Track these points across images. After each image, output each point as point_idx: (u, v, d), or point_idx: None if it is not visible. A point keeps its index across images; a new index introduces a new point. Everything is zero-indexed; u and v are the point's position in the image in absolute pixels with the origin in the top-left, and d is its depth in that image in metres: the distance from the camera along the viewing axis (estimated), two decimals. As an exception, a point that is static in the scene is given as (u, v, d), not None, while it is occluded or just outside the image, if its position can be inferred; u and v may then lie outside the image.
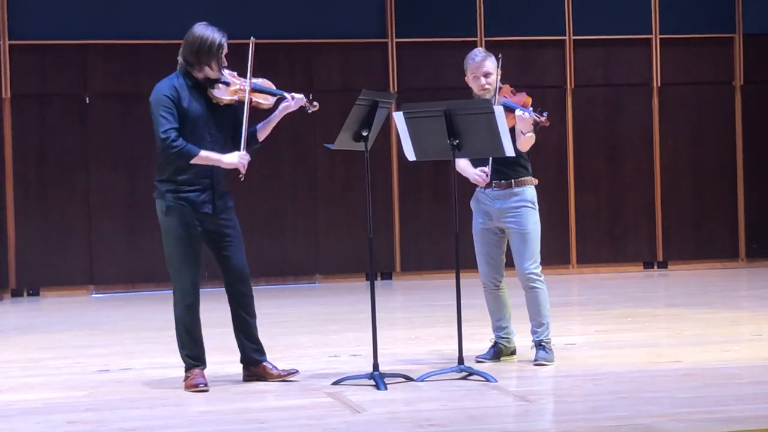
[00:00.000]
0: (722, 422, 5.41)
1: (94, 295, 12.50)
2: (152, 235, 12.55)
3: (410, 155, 6.95)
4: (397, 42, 13.17)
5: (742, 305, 10.49)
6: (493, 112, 6.67)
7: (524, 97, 7.14)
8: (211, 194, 6.65)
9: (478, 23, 13.27)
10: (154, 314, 10.62)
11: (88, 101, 12.60)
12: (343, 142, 6.77)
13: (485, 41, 13.07)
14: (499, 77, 7.16)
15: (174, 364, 7.13)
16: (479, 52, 7.25)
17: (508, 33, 13.07)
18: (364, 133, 6.70)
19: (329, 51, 13.08)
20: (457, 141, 6.75)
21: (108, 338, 9.09)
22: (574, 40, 13.48)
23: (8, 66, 12.42)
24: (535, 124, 6.98)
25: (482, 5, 13.27)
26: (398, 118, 6.87)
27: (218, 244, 6.71)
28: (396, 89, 12.94)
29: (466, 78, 7.26)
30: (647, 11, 13.59)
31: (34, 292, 12.52)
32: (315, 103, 6.83)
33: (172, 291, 6.66)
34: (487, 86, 7.14)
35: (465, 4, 13.26)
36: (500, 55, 7.15)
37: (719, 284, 12.19)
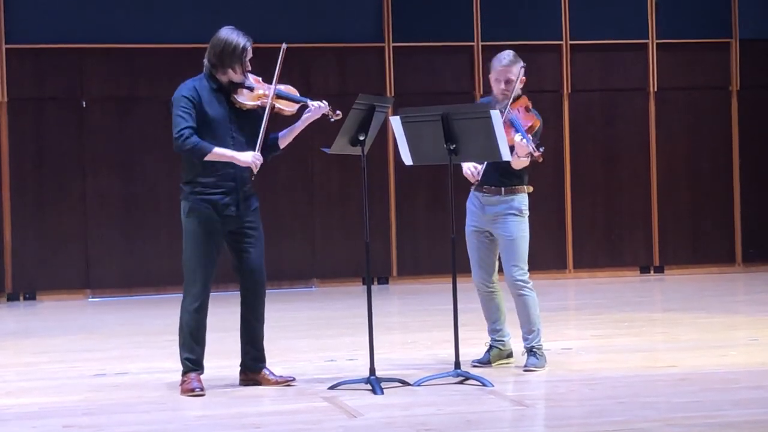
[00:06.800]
0: (719, 427, 5.41)
1: (90, 299, 12.48)
2: (149, 239, 12.62)
3: (407, 160, 6.95)
4: (394, 46, 13.16)
5: (738, 310, 10.49)
6: (490, 117, 6.67)
7: (533, 120, 7.04)
8: (235, 197, 6.65)
9: (474, 28, 13.26)
10: (150, 318, 10.61)
11: (84, 105, 12.59)
12: (340, 146, 6.76)
13: (482, 46, 13.07)
14: (520, 84, 7.01)
15: (170, 368, 7.13)
16: (507, 55, 7.11)
17: (504, 38, 13.02)
18: (361, 138, 6.71)
19: (326, 55, 13.07)
20: (454, 145, 6.75)
21: (104, 342, 9.08)
22: (570, 44, 13.49)
23: (5, 70, 12.41)
24: (529, 154, 6.89)
25: (479, 10, 13.27)
26: (395, 123, 6.87)
27: (239, 245, 6.71)
28: (393, 93, 12.94)
29: (489, 75, 7.19)
30: (644, 16, 13.58)
31: (31, 296, 12.50)
32: (338, 112, 6.77)
33: (182, 291, 6.65)
34: (507, 92, 7.07)
35: (462, 9, 13.26)
36: (524, 65, 7.05)
37: (716, 289, 12.18)
